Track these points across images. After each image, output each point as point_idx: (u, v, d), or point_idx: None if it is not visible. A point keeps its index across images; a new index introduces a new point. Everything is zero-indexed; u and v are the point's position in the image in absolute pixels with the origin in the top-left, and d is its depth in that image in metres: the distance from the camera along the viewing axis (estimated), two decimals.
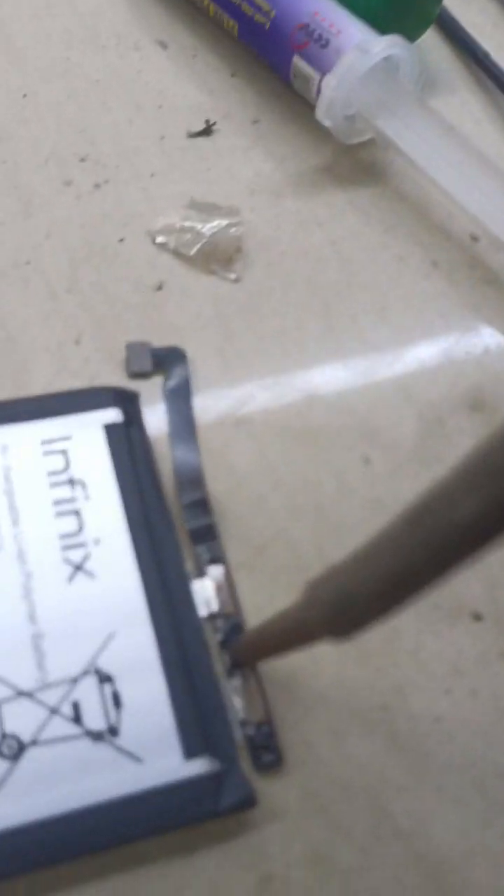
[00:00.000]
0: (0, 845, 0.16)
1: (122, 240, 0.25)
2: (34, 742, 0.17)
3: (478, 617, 0.21)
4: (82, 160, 0.27)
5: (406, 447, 0.23)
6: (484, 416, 0.24)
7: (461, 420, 0.24)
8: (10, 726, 0.17)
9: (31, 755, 0.17)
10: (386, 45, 0.27)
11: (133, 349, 0.23)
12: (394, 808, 0.18)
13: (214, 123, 0.29)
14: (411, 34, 0.31)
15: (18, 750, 0.17)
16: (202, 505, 0.21)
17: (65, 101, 0.28)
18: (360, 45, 0.27)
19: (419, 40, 0.31)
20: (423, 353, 0.25)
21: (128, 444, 0.21)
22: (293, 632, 0.17)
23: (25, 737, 0.17)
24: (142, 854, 0.17)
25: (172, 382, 0.23)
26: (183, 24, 0.31)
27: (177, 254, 0.25)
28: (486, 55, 0.33)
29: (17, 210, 0.26)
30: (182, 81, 0.30)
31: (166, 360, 0.23)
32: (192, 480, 0.21)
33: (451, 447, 0.23)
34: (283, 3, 0.28)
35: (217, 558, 0.20)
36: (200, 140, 0.28)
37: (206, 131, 0.29)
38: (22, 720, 0.17)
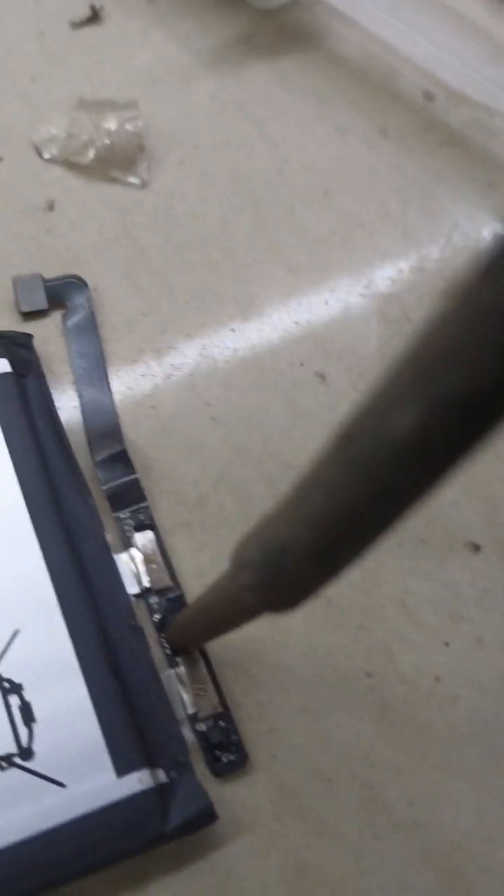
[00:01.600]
0: None
1: (1, 158, 0.21)
2: None
3: (475, 547, 0.17)
4: None
5: (368, 356, 0.19)
6: None
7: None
8: None
9: None
10: None
11: (23, 284, 0.19)
12: (390, 795, 0.15)
13: (102, 8, 0.24)
14: None
15: None
16: (121, 459, 0.17)
17: None
18: None
19: None
20: (380, 242, 0.21)
21: (20, 398, 0.17)
22: (226, 606, 0.13)
23: None
24: (85, 893, 0.14)
25: (73, 318, 0.19)
26: None
27: (68, 164, 0.21)
28: None
29: None
30: None
31: (64, 293, 0.19)
32: (106, 432, 0.17)
33: None
34: None
35: (144, 523, 0.17)
36: (87, 30, 0.24)
37: (93, 18, 0.24)
38: None
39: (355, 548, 0.10)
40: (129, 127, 0.21)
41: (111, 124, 0.22)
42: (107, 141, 0.21)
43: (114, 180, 0.21)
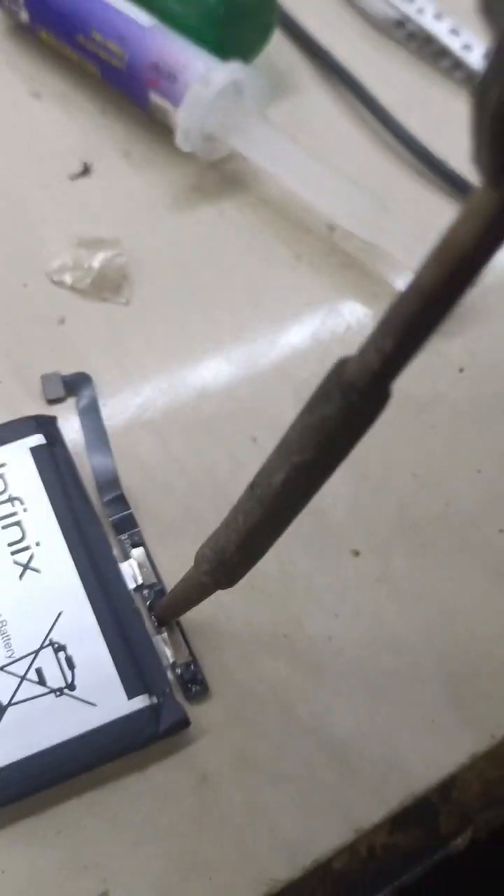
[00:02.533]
0: None
1: (25, 285, 0.30)
2: (10, 703, 0.22)
3: (356, 553, 0.26)
4: None
5: (287, 423, 0.28)
6: None
7: None
8: None
9: (9, 715, 0.22)
10: (226, 74, 0.31)
11: (47, 380, 0.27)
12: (300, 711, 0.24)
13: (91, 164, 0.33)
14: (255, 46, 0.36)
15: (3, 709, 0.22)
16: (120, 501, 0.26)
17: None
18: (203, 78, 0.31)
19: (268, 46, 0.36)
20: (295, 338, 0.30)
21: (52, 460, 0.25)
22: (193, 588, 0.22)
23: (3, 701, 0.22)
24: (105, 775, 0.22)
25: (83, 402, 0.27)
26: (53, 74, 0.35)
27: (73, 289, 0.30)
28: (327, 52, 0.37)
29: None
30: (58, 127, 0.34)
31: (76, 385, 0.28)
32: (109, 482, 0.26)
33: None
34: (133, 46, 0.32)
35: (137, 542, 0.25)
36: (81, 181, 0.33)
37: (85, 172, 0.33)
38: (4, 685, 0.22)
39: (261, 546, 0.19)
40: (116, 261, 0.30)
41: (102, 258, 0.30)
42: (100, 272, 0.30)
43: (105, 300, 0.30)
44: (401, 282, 0.31)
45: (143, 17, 0.33)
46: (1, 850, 0.21)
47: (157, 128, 0.33)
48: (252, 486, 0.19)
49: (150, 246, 0.31)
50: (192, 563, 0.21)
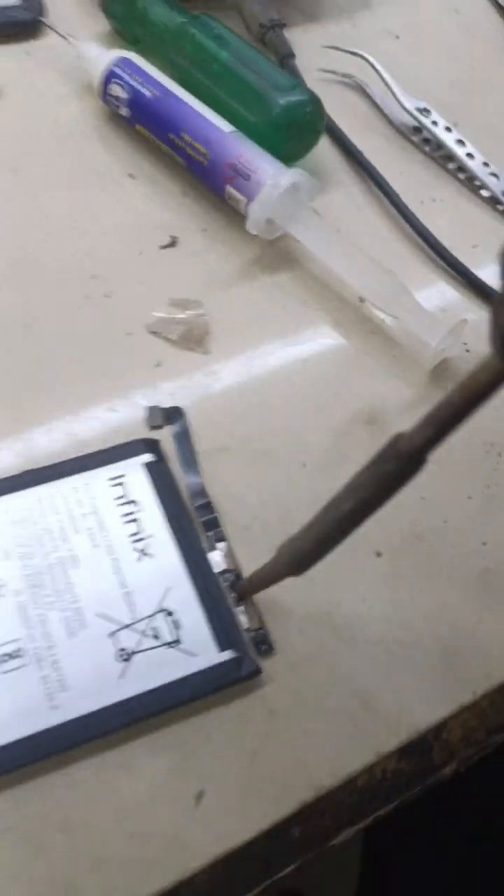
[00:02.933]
0: (124, 707, 0.29)
1: (129, 334, 0.38)
2: (135, 652, 0.30)
3: (379, 553, 0.35)
4: (92, 277, 0.40)
5: (321, 449, 0.37)
6: (377, 427, 0.38)
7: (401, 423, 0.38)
8: (122, 644, 0.30)
9: (135, 659, 0.30)
10: (289, 178, 0.40)
11: (151, 410, 0.36)
12: (338, 667, 0.32)
13: (177, 238, 0.41)
14: (307, 148, 0.44)
15: (129, 656, 0.30)
16: (207, 507, 0.34)
17: (73, 232, 0.41)
18: (273, 181, 0.40)
19: (315, 149, 0.45)
20: (332, 386, 0.39)
21: (159, 473, 0.34)
22: (270, 575, 0.30)
23: (130, 649, 0.30)
24: (200, 707, 0.31)
25: (177, 429, 0.36)
26: (145, 159, 0.44)
27: (166, 339, 0.38)
28: (359, 152, 0.46)
29: (52, 325, 0.38)
30: (149, 204, 0.42)
31: (171, 415, 0.36)
32: (198, 492, 0.35)
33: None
34: (216, 148, 0.41)
35: (220, 538, 0.34)
36: (169, 251, 0.41)
37: (172, 244, 0.41)
38: (127, 641, 0.30)
39: (328, 549, 0.28)
40: (199, 318, 0.39)
41: (188, 315, 0.39)
42: (187, 327, 0.38)
43: (191, 349, 0.38)
44: (413, 345, 0.39)
45: (224, 124, 0.41)
46: (129, 759, 0.30)
47: (228, 210, 0.42)
48: (327, 508, 0.27)
49: (224, 306, 0.40)
50: (260, 557, 0.29)
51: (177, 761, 0.30)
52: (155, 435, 0.36)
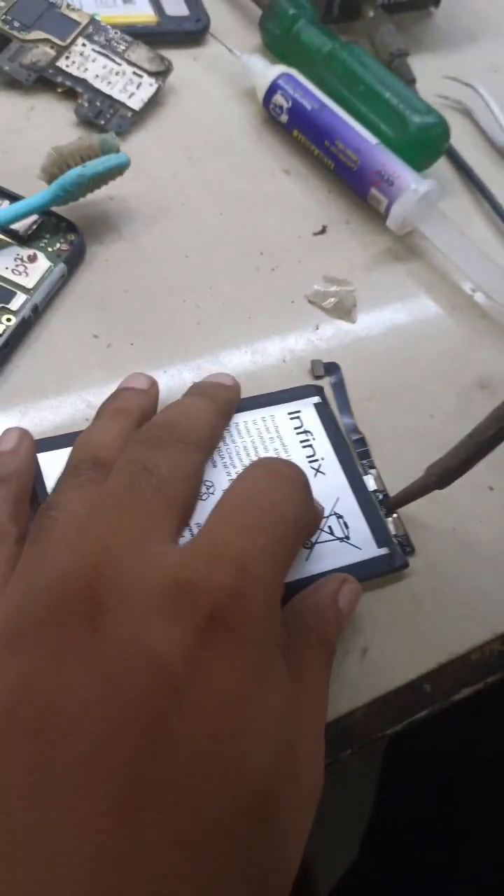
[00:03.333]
0: (309, 581, 0.38)
1: (293, 302, 0.47)
2: (316, 542, 0.39)
3: (491, 488, 0.44)
4: (261, 253, 0.48)
5: (441, 389, 0.46)
6: (489, 391, 0.47)
7: None
8: (308, 539, 0.39)
9: (316, 548, 0.39)
10: (427, 185, 0.49)
11: (315, 364, 0.45)
12: (463, 565, 0.41)
13: (326, 226, 0.50)
14: (432, 160, 0.53)
15: (311, 546, 0.39)
16: (361, 441, 0.43)
17: (242, 215, 0.50)
18: (414, 186, 0.49)
19: (438, 161, 0.54)
20: (447, 355, 0.48)
21: (325, 412, 0.43)
22: (419, 488, 0.39)
23: (313, 540, 0.39)
24: (364, 587, 0.40)
25: (334, 380, 0.45)
26: (297, 159, 0.52)
27: (322, 308, 0.47)
28: (471, 169, 0.55)
29: (230, 288, 0.47)
30: (301, 197, 0.51)
31: (330, 368, 0.45)
32: (353, 429, 0.43)
33: None
34: (365, 156, 0.50)
35: (371, 465, 0.43)
36: (320, 237, 0.50)
37: (322, 232, 0.50)
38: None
39: (470, 466, 0.37)
40: (349, 294, 0.48)
41: (339, 290, 0.48)
42: (338, 299, 0.47)
43: (341, 318, 0.47)
44: None
45: (370, 136, 0.50)
46: None
47: (367, 207, 0.51)
48: (471, 435, 0.36)
49: (366, 285, 0.49)
50: (398, 482, 0.38)
51: (348, 627, 0.39)
52: (320, 382, 0.45)
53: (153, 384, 0.39)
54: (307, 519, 0.31)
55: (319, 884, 1.07)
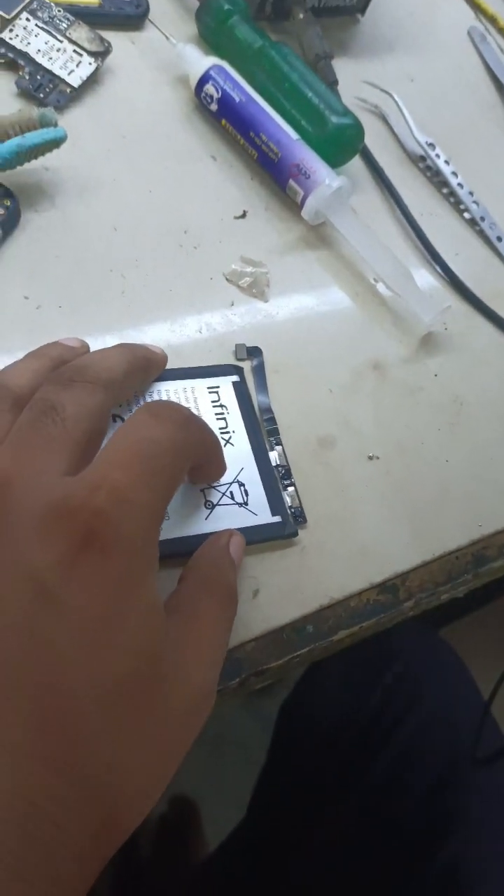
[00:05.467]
0: (205, 537, 0.42)
1: (211, 279, 0.51)
2: (216, 504, 0.43)
3: (370, 457, 0.49)
4: (185, 232, 0.52)
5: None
6: (380, 372, 0.52)
7: None
8: (208, 498, 0.43)
9: (216, 510, 0.42)
10: (339, 181, 0.53)
11: (238, 347, 0.48)
12: (348, 528, 0.46)
13: (247, 211, 0.54)
14: (347, 158, 0.58)
15: (212, 507, 0.43)
16: (272, 420, 0.47)
17: (170, 195, 0.53)
18: (328, 182, 0.53)
19: (353, 160, 0.58)
20: (346, 336, 0.53)
21: (241, 390, 0.46)
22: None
23: (214, 502, 0.43)
24: (254, 549, 0.44)
25: (255, 363, 0.49)
26: (224, 146, 0.56)
27: (238, 286, 0.51)
28: (382, 170, 0.60)
29: (154, 263, 0.50)
30: (226, 182, 0.55)
31: (251, 352, 0.49)
32: (266, 408, 0.47)
33: None
34: (285, 149, 0.53)
35: (278, 443, 0.46)
36: (240, 221, 0.54)
37: (243, 216, 0.54)
38: (212, 496, 0.43)
39: None
40: (262, 275, 0.52)
41: (254, 270, 0.52)
42: (253, 279, 0.51)
43: (255, 297, 0.51)
44: (410, 318, 0.54)
45: (292, 133, 0.54)
46: None
47: (285, 197, 0.55)
48: None
49: (279, 268, 0.53)
50: (294, 454, 0.43)
51: (240, 574, 0.43)
52: (241, 364, 0.48)
53: (84, 345, 0.42)
54: (186, 450, 0.33)
55: (210, 841, 1.14)
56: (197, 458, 0.37)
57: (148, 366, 0.42)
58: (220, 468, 0.41)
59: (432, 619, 1.20)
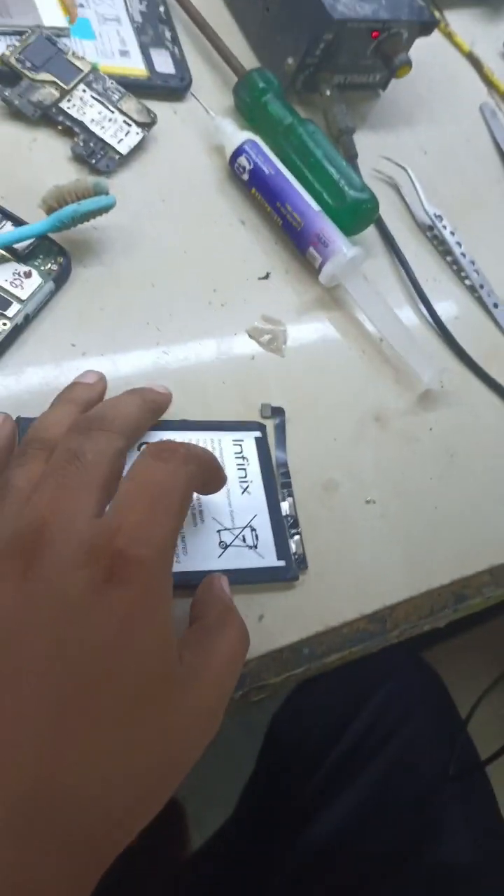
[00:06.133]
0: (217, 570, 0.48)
1: (235, 334, 0.57)
2: (229, 545, 0.48)
3: (367, 501, 0.56)
4: (214, 290, 0.58)
5: (324, 450, 0.57)
6: (381, 423, 0.58)
7: None
8: (223, 539, 0.49)
9: (229, 550, 0.48)
10: (354, 251, 0.60)
11: (264, 406, 0.54)
12: (346, 567, 0.53)
13: (269, 273, 0.61)
14: (363, 227, 0.64)
15: (226, 547, 0.48)
16: (286, 473, 0.53)
17: (202, 255, 0.59)
18: (343, 250, 0.59)
19: (368, 228, 0.64)
20: (352, 392, 0.59)
21: (262, 446, 0.52)
22: None
23: (227, 543, 0.49)
24: (257, 588, 0.50)
25: (277, 421, 0.55)
26: (251, 212, 0.62)
27: (258, 342, 0.57)
28: (393, 238, 0.66)
29: (186, 316, 0.57)
30: (252, 245, 0.61)
31: (275, 411, 0.55)
32: (282, 463, 0.53)
33: None
34: (307, 220, 0.60)
35: (290, 494, 0.53)
36: (263, 281, 0.60)
37: (266, 277, 0.60)
38: (226, 537, 0.49)
39: None
40: (281, 332, 0.58)
41: (273, 329, 0.58)
42: (272, 336, 0.58)
43: (273, 352, 0.58)
44: (410, 376, 0.60)
45: (314, 204, 0.61)
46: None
47: (304, 261, 0.61)
48: None
49: (295, 326, 0.59)
50: (301, 500, 0.49)
51: (248, 600, 0.49)
52: (264, 421, 0.54)
53: (100, 379, 0.48)
54: (189, 483, 0.37)
55: (195, 839, 1.20)
56: (199, 485, 0.43)
57: (157, 407, 0.46)
58: (220, 483, 0.45)
59: (417, 642, 1.26)
